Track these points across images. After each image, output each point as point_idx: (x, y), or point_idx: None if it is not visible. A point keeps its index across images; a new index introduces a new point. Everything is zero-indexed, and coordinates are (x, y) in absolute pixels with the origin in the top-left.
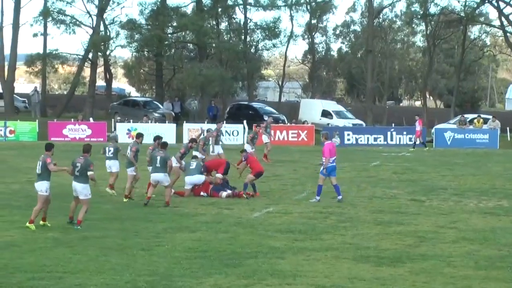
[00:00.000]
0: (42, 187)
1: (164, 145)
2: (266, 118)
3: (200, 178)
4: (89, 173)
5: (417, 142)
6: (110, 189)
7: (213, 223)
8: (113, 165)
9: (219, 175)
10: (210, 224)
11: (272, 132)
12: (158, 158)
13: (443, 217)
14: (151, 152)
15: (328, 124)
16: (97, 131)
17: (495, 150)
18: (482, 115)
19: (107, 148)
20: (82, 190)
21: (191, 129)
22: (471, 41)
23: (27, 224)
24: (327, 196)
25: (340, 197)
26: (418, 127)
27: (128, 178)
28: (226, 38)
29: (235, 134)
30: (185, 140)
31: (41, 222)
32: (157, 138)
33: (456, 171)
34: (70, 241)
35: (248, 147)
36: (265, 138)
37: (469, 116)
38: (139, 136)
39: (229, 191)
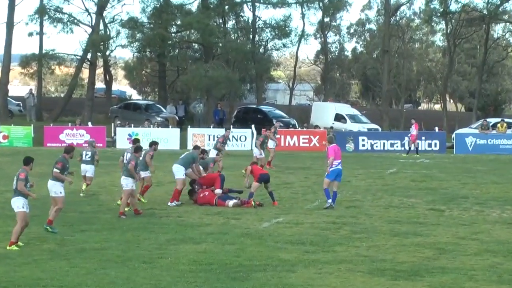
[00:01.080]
0: (17, 203)
1: (138, 149)
2: (274, 122)
3: (178, 169)
4: (54, 170)
5: (412, 148)
6: (84, 191)
7: (219, 234)
8: (89, 170)
9: (218, 191)
10: (216, 235)
11: (277, 137)
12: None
13: (464, 227)
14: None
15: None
16: (96, 136)
17: None
18: (506, 119)
19: (84, 152)
20: (51, 187)
21: (196, 134)
22: (494, 41)
23: (8, 247)
24: (341, 205)
25: (330, 202)
26: (414, 131)
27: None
28: (233, 38)
29: (242, 139)
30: (189, 146)
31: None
32: (154, 143)
33: (478, 179)
34: (67, 253)
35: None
36: (271, 143)
37: (492, 120)
38: (154, 143)
39: (235, 200)
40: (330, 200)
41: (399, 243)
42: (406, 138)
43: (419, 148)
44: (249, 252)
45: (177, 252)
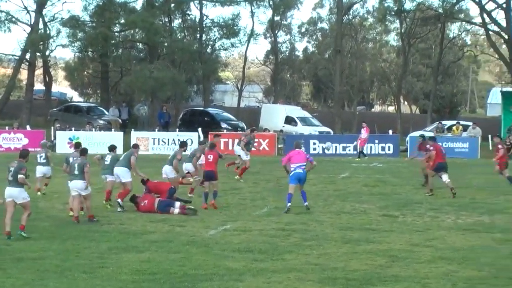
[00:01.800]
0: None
1: (84, 152)
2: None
3: (123, 172)
4: (19, 176)
5: (358, 150)
6: (39, 192)
7: (164, 242)
8: (46, 172)
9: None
10: (160, 243)
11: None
12: (76, 165)
13: (418, 234)
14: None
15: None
16: (34, 140)
17: (476, 160)
18: (462, 122)
19: (38, 155)
20: (19, 194)
21: (140, 138)
22: (449, 40)
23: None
24: (291, 211)
25: (289, 206)
26: (365, 135)
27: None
28: (179, 37)
29: (188, 143)
30: None
31: None
32: (112, 148)
33: (436, 184)
34: (2, 263)
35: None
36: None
37: (447, 123)
38: (184, 145)
39: (179, 209)
40: (289, 204)
41: (351, 250)
42: (356, 142)
43: (372, 152)
44: (195, 261)
45: (119, 261)
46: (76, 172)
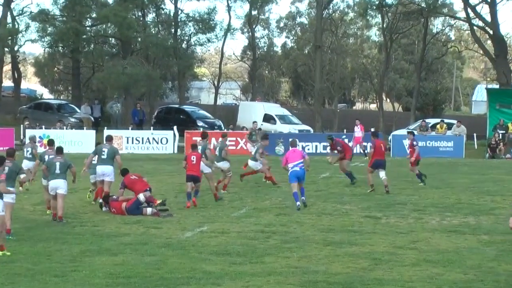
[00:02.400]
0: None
1: (60, 150)
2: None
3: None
4: (22, 176)
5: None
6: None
7: (138, 244)
8: (31, 167)
9: (141, 196)
10: (134, 246)
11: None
12: (58, 164)
13: (402, 236)
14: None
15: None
16: (2, 138)
17: (461, 159)
18: (446, 120)
19: (25, 149)
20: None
21: (113, 136)
22: (433, 36)
23: None
24: (270, 212)
25: (298, 203)
26: (360, 132)
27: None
28: (153, 32)
29: (164, 142)
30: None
31: None
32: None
33: (416, 184)
34: None
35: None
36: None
37: (431, 121)
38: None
39: (152, 208)
40: (298, 203)
41: (333, 253)
42: (351, 143)
43: (354, 151)
44: (171, 264)
45: (92, 264)
46: (57, 171)
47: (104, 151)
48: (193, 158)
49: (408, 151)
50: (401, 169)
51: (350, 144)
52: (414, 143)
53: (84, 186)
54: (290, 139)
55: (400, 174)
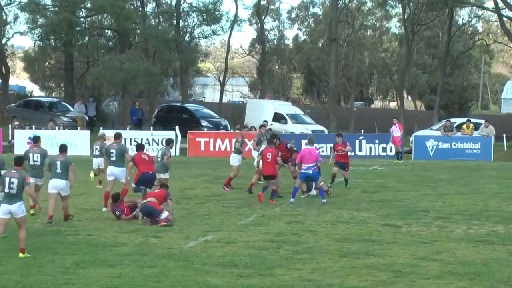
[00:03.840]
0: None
1: (64, 148)
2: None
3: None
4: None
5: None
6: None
7: (137, 255)
8: (100, 163)
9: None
10: (133, 257)
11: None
12: (58, 163)
13: (424, 246)
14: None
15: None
16: None
17: (489, 162)
18: (473, 119)
19: (94, 147)
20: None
21: (110, 137)
22: (458, 27)
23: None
24: (280, 220)
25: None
26: (398, 132)
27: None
28: (153, 23)
29: (164, 143)
30: None
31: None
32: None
33: (440, 189)
34: None
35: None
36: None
37: (457, 121)
38: (170, 142)
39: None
40: (293, 200)
41: (349, 264)
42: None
43: (372, 154)
44: (173, 276)
45: (87, 277)
46: (58, 170)
47: (112, 152)
48: (269, 155)
49: (333, 155)
50: (424, 173)
51: (390, 144)
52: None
53: (78, 192)
54: (308, 136)
55: (423, 178)
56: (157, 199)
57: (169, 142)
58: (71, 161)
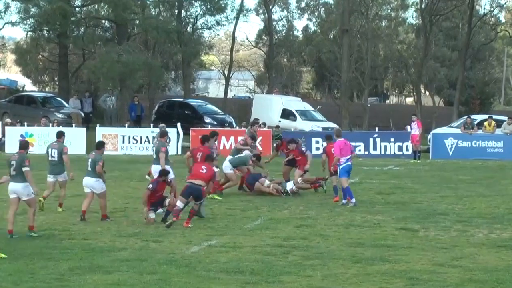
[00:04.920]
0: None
1: (100, 145)
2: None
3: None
4: (24, 169)
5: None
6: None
7: (136, 261)
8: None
9: None
10: (132, 263)
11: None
12: (90, 160)
13: (443, 252)
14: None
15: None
16: None
17: None
18: (495, 116)
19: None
20: (23, 190)
21: (106, 135)
22: (479, 18)
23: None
24: (289, 224)
25: (346, 201)
26: (417, 130)
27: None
28: (153, 13)
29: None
30: None
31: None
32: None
33: (460, 191)
34: None
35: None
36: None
37: (478, 117)
38: (164, 134)
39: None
40: (354, 200)
41: (362, 271)
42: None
43: (387, 153)
44: (174, 283)
45: (83, 284)
46: (89, 168)
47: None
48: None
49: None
50: (442, 173)
51: (409, 143)
52: (303, 149)
53: (73, 193)
54: (335, 129)
55: (441, 179)
56: (205, 181)
57: (164, 134)
58: (100, 158)
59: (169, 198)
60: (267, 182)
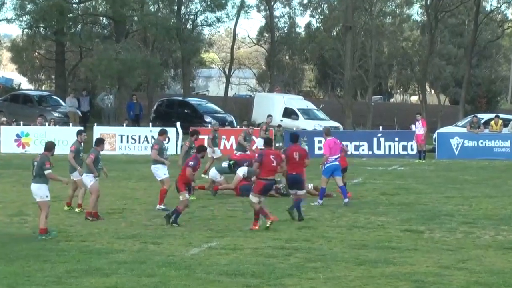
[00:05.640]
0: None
1: (99, 142)
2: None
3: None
4: (46, 172)
5: (417, 150)
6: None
7: (135, 263)
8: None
9: None
10: (130, 265)
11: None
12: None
13: (449, 254)
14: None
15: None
16: None
17: None
18: (502, 115)
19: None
20: (37, 191)
21: (104, 134)
22: (486, 15)
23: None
24: (291, 225)
25: (346, 200)
26: (421, 129)
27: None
28: (152, 10)
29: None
30: None
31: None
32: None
33: (466, 192)
34: None
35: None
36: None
37: (484, 116)
38: (163, 132)
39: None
40: (321, 201)
41: (366, 274)
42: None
43: (391, 152)
44: (173, 286)
45: (80, 286)
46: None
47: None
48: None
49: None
50: (448, 174)
51: (413, 142)
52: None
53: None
54: (325, 128)
55: (447, 179)
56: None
57: (162, 133)
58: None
59: (183, 195)
60: None
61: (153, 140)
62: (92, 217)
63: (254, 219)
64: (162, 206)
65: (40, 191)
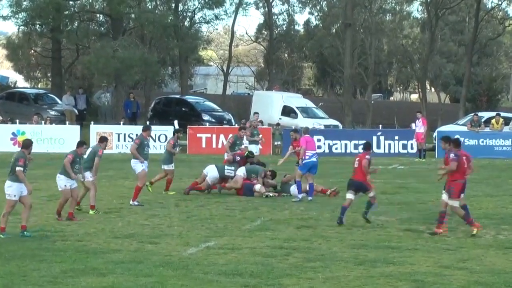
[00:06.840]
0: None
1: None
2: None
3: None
4: (17, 169)
5: (418, 149)
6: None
7: (132, 263)
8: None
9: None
10: (127, 265)
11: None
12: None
13: (449, 253)
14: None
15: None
16: None
17: None
18: (503, 113)
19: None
20: (18, 188)
21: (101, 133)
22: (487, 12)
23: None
24: (290, 225)
25: (310, 198)
26: (422, 128)
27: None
28: (150, 7)
29: (162, 139)
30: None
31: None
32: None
33: (467, 191)
34: None
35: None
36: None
37: (485, 115)
38: (147, 128)
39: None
40: (300, 196)
41: (365, 274)
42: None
43: (391, 151)
44: (171, 286)
45: (76, 286)
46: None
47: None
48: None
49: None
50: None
51: (413, 141)
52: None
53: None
54: (303, 127)
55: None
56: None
57: (146, 129)
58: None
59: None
60: (258, 186)
61: (150, 139)
62: (60, 216)
63: (439, 221)
64: (135, 202)
65: (9, 190)
